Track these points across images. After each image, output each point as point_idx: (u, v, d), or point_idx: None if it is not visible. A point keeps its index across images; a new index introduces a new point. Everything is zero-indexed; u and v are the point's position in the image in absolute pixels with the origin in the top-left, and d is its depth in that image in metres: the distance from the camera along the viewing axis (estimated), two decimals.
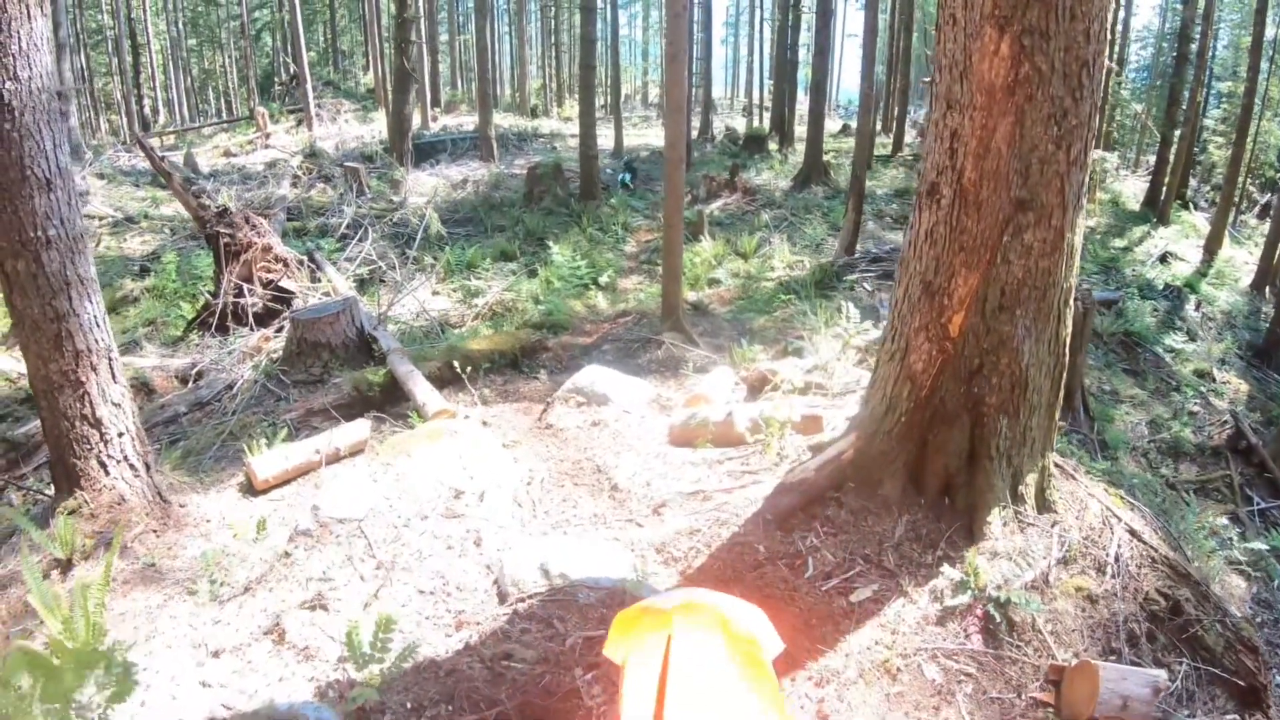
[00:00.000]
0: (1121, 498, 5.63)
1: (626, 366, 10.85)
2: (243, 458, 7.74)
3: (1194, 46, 25.38)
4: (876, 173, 25.78)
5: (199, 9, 50.88)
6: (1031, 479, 5.09)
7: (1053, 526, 5.03)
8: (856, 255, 16.08)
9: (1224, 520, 7.62)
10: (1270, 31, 25.61)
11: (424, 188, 22.44)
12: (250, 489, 7.30)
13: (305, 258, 14.13)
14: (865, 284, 14.69)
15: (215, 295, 12.49)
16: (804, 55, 34.85)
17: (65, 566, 5.60)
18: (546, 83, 53.01)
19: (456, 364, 8.91)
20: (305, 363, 10.33)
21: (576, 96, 26.46)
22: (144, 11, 44.59)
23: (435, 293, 14.48)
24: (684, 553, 5.23)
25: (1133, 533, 5.11)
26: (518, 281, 14.61)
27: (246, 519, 6.74)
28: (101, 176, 23.39)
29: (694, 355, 11.03)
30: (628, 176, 23.57)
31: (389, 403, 9.26)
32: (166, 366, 11.61)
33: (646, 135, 34.95)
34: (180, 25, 49.97)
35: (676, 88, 11.26)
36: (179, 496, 6.93)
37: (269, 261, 12.73)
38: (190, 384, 11.16)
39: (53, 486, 6.41)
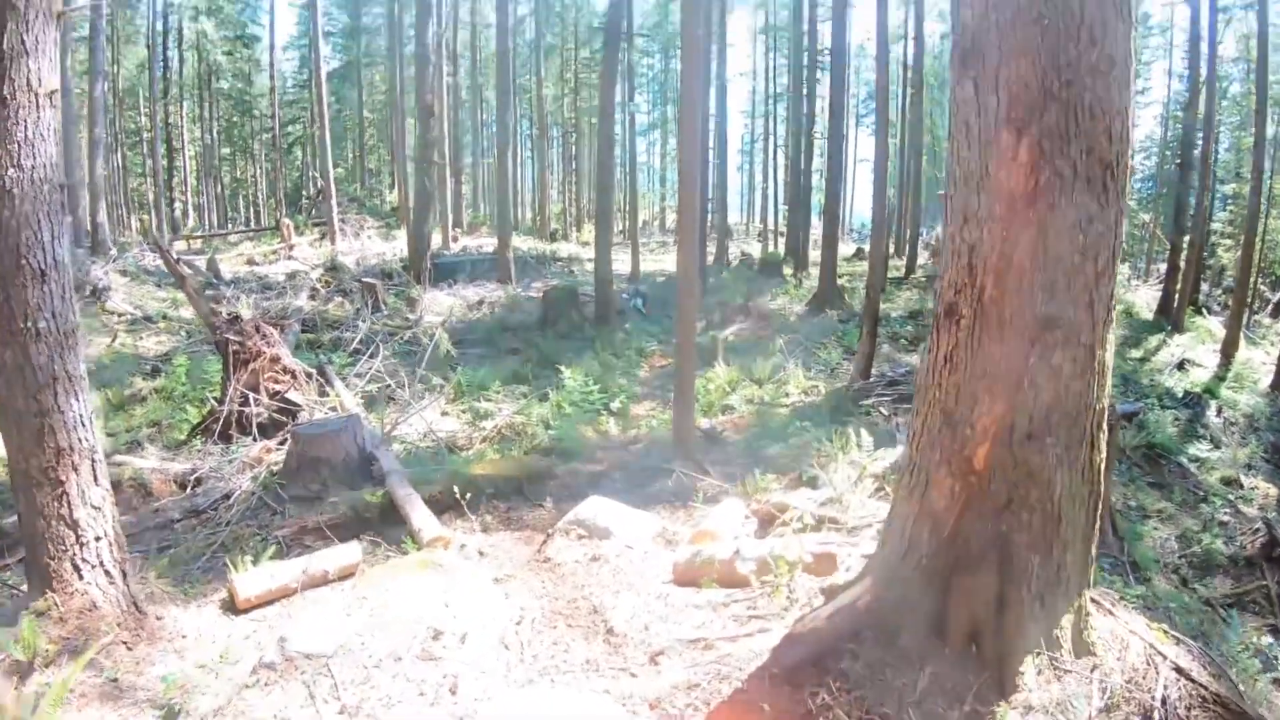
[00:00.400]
0: (1165, 631, 5.14)
1: (635, 496, 10.51)
2: (228, 573, 7.44)
3: (1196, 152, 25.55)
4: (890, 295, 25.76)
5: (234, 119, 52.09)
6: (1067, 620, 4.60)
7: (1092, 671, 4.53)
8: (872, 379, 15.84)
9: (1268, 639, 7.16)
10: (1271, 130, 25.71)
11: (440, 306, 22.47)
12: (232, 606, 6.98)
13: (315, 371, 13.99)
14: (882, 408, 14.37)
15: (221, 402, 12.29)
16: (816, 181, 35.29)
17: (25, 671, 5.29)
18: (566, 207, 53.94)
19: (457, 489, 8.63)
20: (304, 478, 10.05)
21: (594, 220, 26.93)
22: (180, 118, 45.67)
23: (444, 413, 14.24)
24: (680, 709, 4.82)
25: (1179, 670, 4.63)
26: (529, 405, 14.36)
27: (222, 638, 6.42)
28: (125, 274, 23.46)
29: (705, 485, 10.69)
30: (640, 301, 23.59)
31: (386, 524, 8.94)
32: (166, 470, 11.37)
33: (663, 261, 35.17)
34: (214, 133, 51.05)
35: (689, 213, 11.22)
36: (157, 608, 6.65)
37: (277, 372, 12.56)
38: (189, 490, 10.90)
39: (27, 583, 6.16)
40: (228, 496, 10.37)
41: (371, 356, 14.39)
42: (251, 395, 12.16)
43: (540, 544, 7.81)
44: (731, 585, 6.40)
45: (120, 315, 19.89)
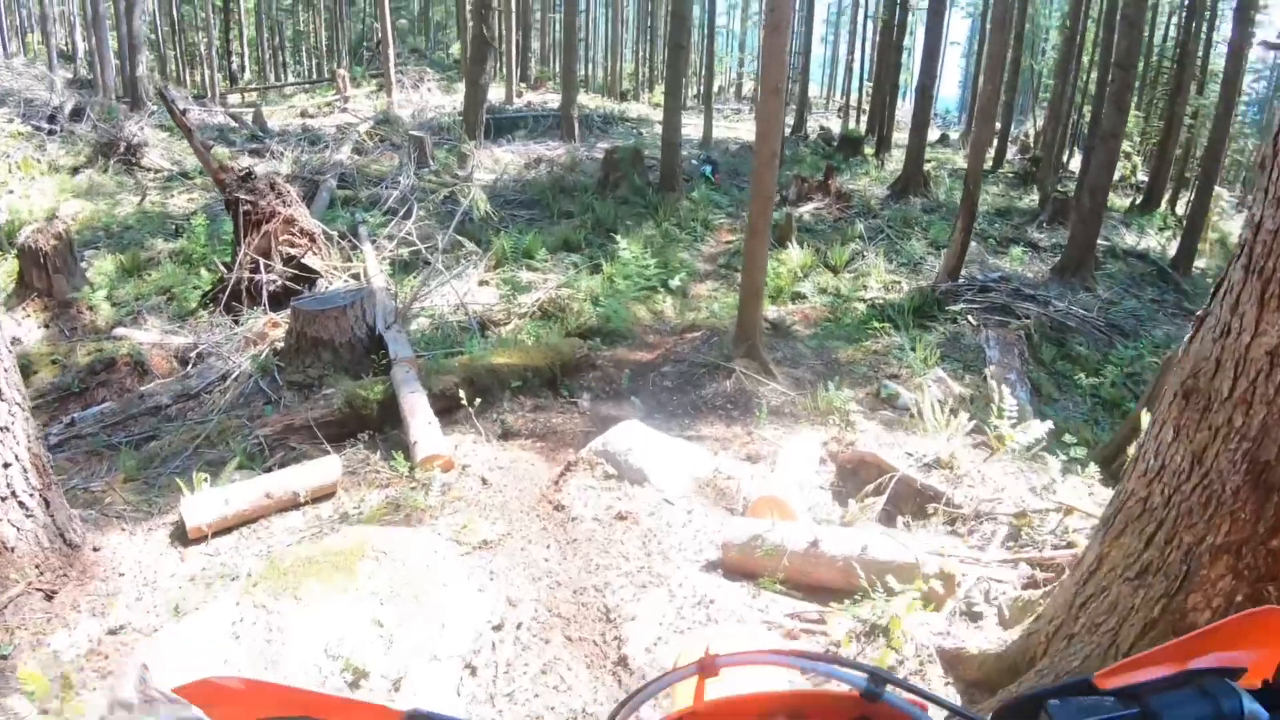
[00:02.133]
0: None
1: (686, 400, 8.85)
2: (208, 474, 6.17)
3: None
4: (982, 190, 23.18)
5: None
6: None
7: None
8: (961, 281, 13.76)
9: None
10: None
11: (494, 164, 20.59)
12: (184, 535, 5.61)
13: (345, 233, 12.33)
14: (970, 317, 12.39)
15: (230, 268, 10.72)
16: (905, 59, 32.35)
17: None
18: (639, 67, 50.87)
19: (465, 393, 6.95)
20: (303, 361, 8.49)
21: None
22: None
23: (483, 282, 12.55)
24: None
25: None
26: (577, 277, 12.59)
27: (164, 579, 5.18)
28: (164, 129, 21.85)
29: (768, 392, 8.97)
30: (709, 169, 21.32)
31: (388, 422, 7.36)
32: (168, 344, 10.04)
33: (737, 129, 32.58)
34: None
35: (776, 66, 9.07)
36: (99, 535, 5.52)
37: (293, 235, 10.93)
38: (189, 367, 9.51)
39: None
40: (225, 378, 8.95)
41: (405, 217, 12.60)
42: (262, 261, 10.55)
43: (557, 477, 6.10)
44: (805, 589, 4.68)
45: (156, 172, 18.44)
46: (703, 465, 6.32)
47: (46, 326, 10.92)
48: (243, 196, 10.64)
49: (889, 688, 1.03)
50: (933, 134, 35.25)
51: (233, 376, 8.92)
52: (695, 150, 24.38)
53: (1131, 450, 3.62)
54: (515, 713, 3.76)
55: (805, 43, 37.16)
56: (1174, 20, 30.63)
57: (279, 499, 5.88)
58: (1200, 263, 19.04)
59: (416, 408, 6.89)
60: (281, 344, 9.04)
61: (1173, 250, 19.11)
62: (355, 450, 6.99)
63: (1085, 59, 30.17)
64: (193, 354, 9.68)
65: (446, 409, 7.53)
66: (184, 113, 11.38)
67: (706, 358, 9.79)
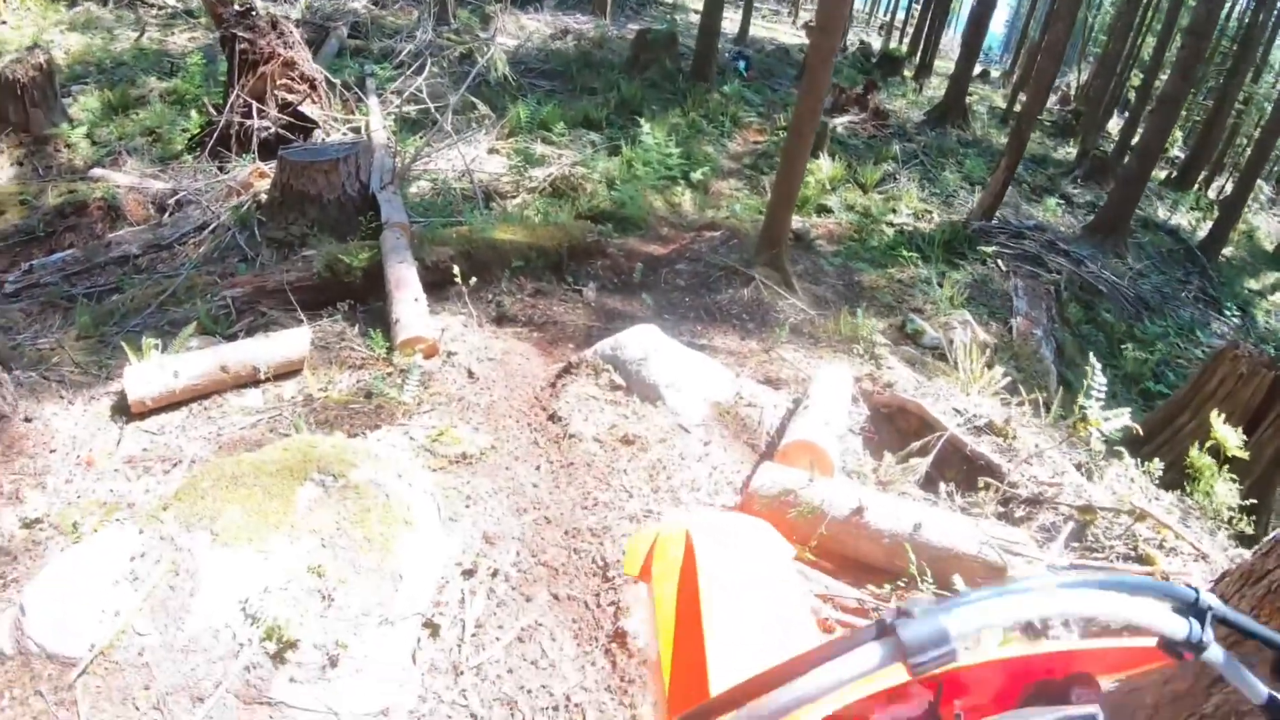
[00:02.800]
0: None
1: (699, 303, 8.03)
2: (161, 339, 5.46)
3: None
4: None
5: None
6: None
7: None
8: (994, 222, 12.79)
9: None
10: None
11: (519, 30, 19.32)
12: (126, 408, 4.93)
13: (351, 83, 11.32)
14: (1000, 261, 11.49)
15: (221, 111, 9.77)
16: None
17: None
18: None
19: (458, 270, 6.13)
20: (286, 217, 7.66)
21: None
22: None
23: (494, 150, 11.57)
24: None
25: None
26: (595, 157, 11.63)
27: (104, 456, 4.56)
28: None
29: (787, 306, 8.17)
30: (743, 64, 20.03)
31: (372, 293, 6.54)
32: (146, 188, 9.27)
33: (775, 30, 30.98)
34: None
35: None
36: (35, 405, 4.90)
37: (291, 79, 9.96)
38: (166, 215, 8.71)
39: None
40: (202, 228, 8.13)
41: (416, 72, 11.55)
42: (255, 105, 9.60)
43: (555, 378, 5.31)
44: (837, 560, 3.94)
45: (159, 8, 17.13)
46: (723, 386, 5.46)
47: (20, 164, 10.10)
48: (240, 33, 9.66)
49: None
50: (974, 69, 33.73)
51: (210, 228, 8.13)
52: (730, 45, 23.00)
53: None
54: (482, 692, 2.99)
55: None
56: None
57: (236, 374, 5.13)
58: (1227, 250, 18.32)
59: (403, 280, 6.06)
60: (266, 196, 8.18)
61: (1202, 232, 18.31)
62: (332, 321, 6.22)
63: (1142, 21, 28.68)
64: (171, 201, 8.86)
65: (438, 283, 6.74)
66: None
67: (725, 260, 8.92)
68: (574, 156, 11.51)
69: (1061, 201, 16.32)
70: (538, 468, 4.37)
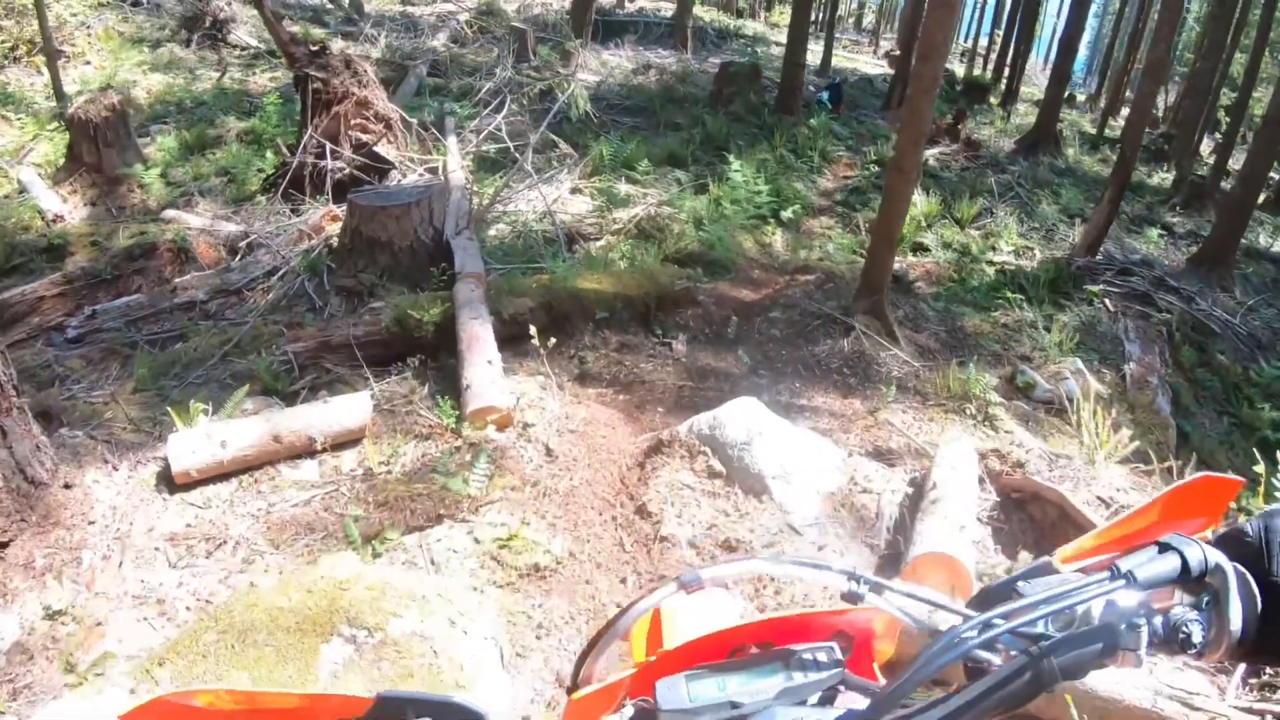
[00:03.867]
0: None
1: (795, 357, 7.31)
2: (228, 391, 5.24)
3: None
4: (1108, 160, 20.83)
5: None
6: None
7: None
8: (1099, 258, 11.82)
9: None
10: None
11: (600, 66, 18.87)
12: (170, 479, 4.42)
13: (429, 123, 10.90)
14: (1108, 300, 10.55)
15: (294, 151, 9.37)
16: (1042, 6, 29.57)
17: None
18: None
19: (534, 330, 5.50)
20: (356, 264, 7.15)
21: (789, 1, 22.29)
22: None
23: (576, 190, 11.00)
24: None
25: None
26: (681, 196, 10.96)
27: (139, 532, 4.09)
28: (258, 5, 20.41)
29: (890, 358, 7.43)
30: (827, 96, 19.27)
31: (444, 348, 5.96)
32: (218, 231, 8.90)
33: (856, 60, 30.16)
34: None
35: None
36: (76, 470, 4.41)
37: (366, 119, 9.54)
38: (238, 258, 8.32)
39: None
40: (272, 274, 7.69)
41: (496, 110, 11.06)
42: (329, 146, 9.18)
43: (644, 456, 4.63)
44: None
45: (241, 49, 17.03)
46: (834, 470, 4.72)
47: (93, 205, 9.86)
48: (312, 73, 9.28)
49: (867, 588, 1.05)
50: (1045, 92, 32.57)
51: (279, 274, 7.66)
52: (813, 77, 22.31)
53: None
54: None
55: None
56: None
57: (290, 444, 4.59)
58: None
59: (476, 339, 5.46)
60: (336, 242, 7.70)
61: None
62: (400, 380, 5.66)
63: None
64: (243, 244, 8.46)
65: (515, 337, 6.16)
66: None
67: (822, 307, 8.21)
68: (659, 195, 10.89)
69: (1163, 232, 15.25)
70: (623, 580, 3.68)
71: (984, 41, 42.68)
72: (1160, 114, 30.89)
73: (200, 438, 4.40)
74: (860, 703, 1.07)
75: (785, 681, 1.11)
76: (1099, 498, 4.66)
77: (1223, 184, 19.30)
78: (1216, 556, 0.93)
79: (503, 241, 8.88)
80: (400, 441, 4.80)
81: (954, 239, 11.98)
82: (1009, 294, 10.00)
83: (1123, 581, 0.93)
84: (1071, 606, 0.93)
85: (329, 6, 23.05)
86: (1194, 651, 0.91)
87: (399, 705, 0.93)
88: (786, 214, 11.34)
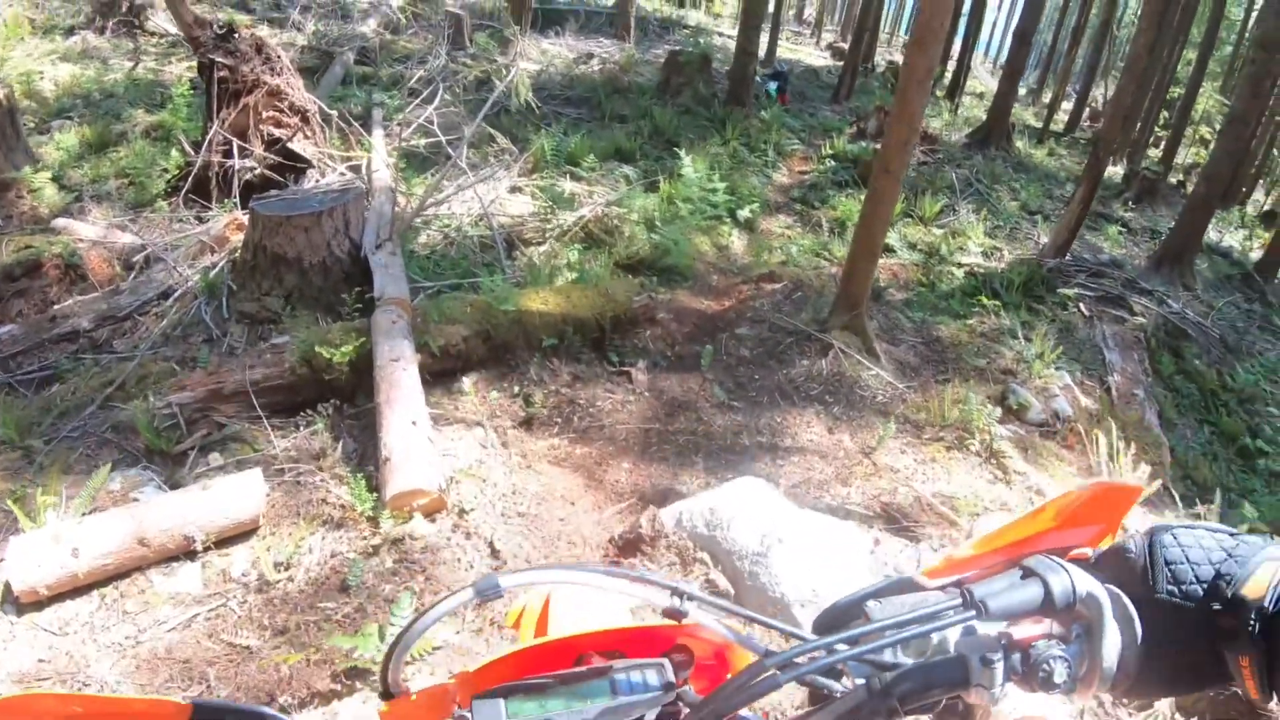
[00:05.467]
0: None
1: (771, 379, 6.38)
2: (109, 445, 4.43)
3: None
4: (1053, 151, 20.41)
5: None
6: None
7: None
8: (1068, 259, 11.01)
9: None
10: None
11: (540, 55, 17.65)
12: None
13: (347, 114, 9.68)
14: (1082, 305, 9.79)
15: (198, 149, 8.15)
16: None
17: None
18: None
19: (468, 382, 4.45)
20: (260, 285, 6.00)
21: None
22: None
23: (516, 189, 9.85)
24: None
25: None
26: (631, 194, 9.85)
27: None
28: None
29: (873, 379, 6.52)
30: (775, 85, 18.27)
31: (362, 388, 4.86)
32: (113, 242, 7.71)
33: (798, 52, 29.20)
34: None
35: None
36: None
37: (280, 111, 8.33)
38: (133, 274, 7.18)
39: None
40: (166, 296, 6.50)
41: (427, 101, 9.86)
42: (237, 143, 7.97)
43: (616, 553, 3.51)
44: None
45: (160, 37, 15.54)
46: (864, 566, 3.55)
47: None
48: (218, 59, 8.02)
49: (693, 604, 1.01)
50: (995, 83, 32.08)
51: (175, 295, 6.47)
52: (758, 67, 21.36)
53: None
54: None
55: None
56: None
57: (161, 547, 3.46)
58: None
59: (398, 389, 4.34)
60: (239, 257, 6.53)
61: (1254, 252, 16.43)
62: (310, 434, 4.55)
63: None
64: (139, 258, 7.27)
65: (448, 372, 5.09)
66: None
67: (794, 322, 7.22)
68: (607, 194, 9.80)
69: (1122, 229, 14.57)
70: None
71: None
72: (1099, 107, 30.58)
73: (46, 543, 3.29)
74: None
75: (609, 701, 1.03)
76: None
77: (1174, 180, 18.95)
78: (1088, 585, 0.87)
79: (434, 250, 7.74)
80: (305, 530, 3.69)
81: (919, 238, 11.11)
82: (984, 299, 9.17)
83: (973, 612, 0.86)
84: (921, 635, 0.88)
85: None
86: (1058, 690, 0.83)
87: (214, 713, 0.89)
88: (744, 213, 10.35)
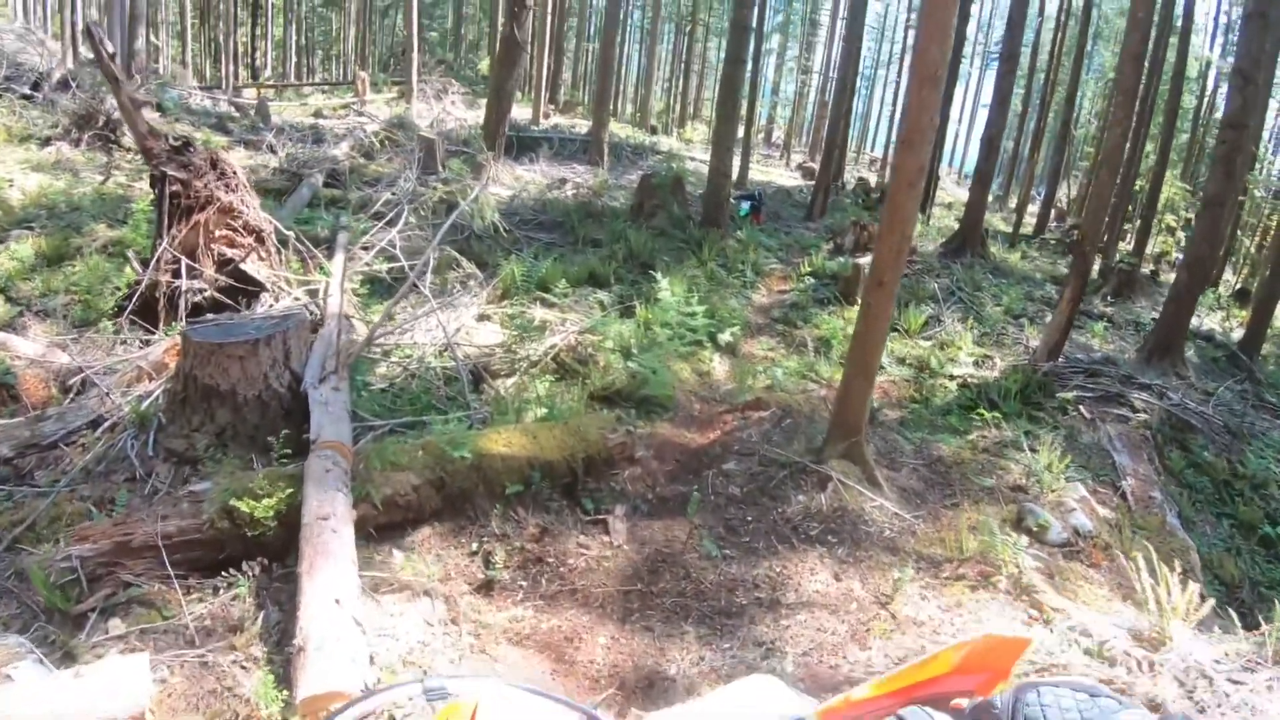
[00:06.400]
0: None
1: (765, 520, 5.67)
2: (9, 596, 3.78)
3: None
4: (1029, 256, 20.19)
5: None
6: None
7: None
8: (1062, 361, 10.49)
9: None
10: None
11: (514, 181, 17.30)
12: None
13: (321, 237, 9.10)
14: (1083, 407, 9.22)
15: (147, 266, 7.52)
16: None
17: None
18: (670, 104, 47.73)
19: (427, 506, 3.71)
20: (190, 419, 5.22)
21: (700, 119, 21.37)
22: None
23: (484, 316, 9.22)
24: None
25: None
26: (605, 320, 9.20)
27: None
28: (160, 109, 18.63)
29: (876, 511, 5.83)
30: (748, 206, 18.06)
31: (293, 545, 4.03)
32: (50, 362, 7.03)
33: (769, 173, 29.44)
34: None
35: (937, 41, 5.74)
36: None
37: (234, 230, 7.74)
38: (69, 397, 6.49)
39: None
40: (95, 425, 5.73)
41: (390, 224, 9.26)
42: (185, 262, 7.32)
43: None
44: None
45: (134, 152, 15.11)
46: None
47: None
48: (171, 172, 7.43)
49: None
50: (961, 192, 32.34)
51: (104, 425, 5.71)
52: (732, 190, 21.28)
53: None
54: None
55: (841, 93, 34.09)
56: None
57: None
58: (1265, 348, 15.98)
59: (322, 558, 3.54)
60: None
61: (1235, 332, 16.17)
62: (230, 599, 3.76)
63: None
64: (75, 380, 6.55)
65: (394, 525, 4.31)
66: (113, 57, 8.11)
67: (786, 453, 6.52)
68: (581, 321, 9.16)
69: (1108, 324, 14.17)
70: None
71: (893, 151, 43.01)
72: (1065, 206, 30.85)
73: None
74: None
75: None
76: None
77: (1150, 271, 18.86)
78: None
79: (392, 384, 7.02)
80: None
81: (907, 353, 10.56)
82: (983, 412, 8.55)
83: None
84: None
85: (236, 115, 21.39)
86: None
87: None
88: (725, 336, 9.74)
